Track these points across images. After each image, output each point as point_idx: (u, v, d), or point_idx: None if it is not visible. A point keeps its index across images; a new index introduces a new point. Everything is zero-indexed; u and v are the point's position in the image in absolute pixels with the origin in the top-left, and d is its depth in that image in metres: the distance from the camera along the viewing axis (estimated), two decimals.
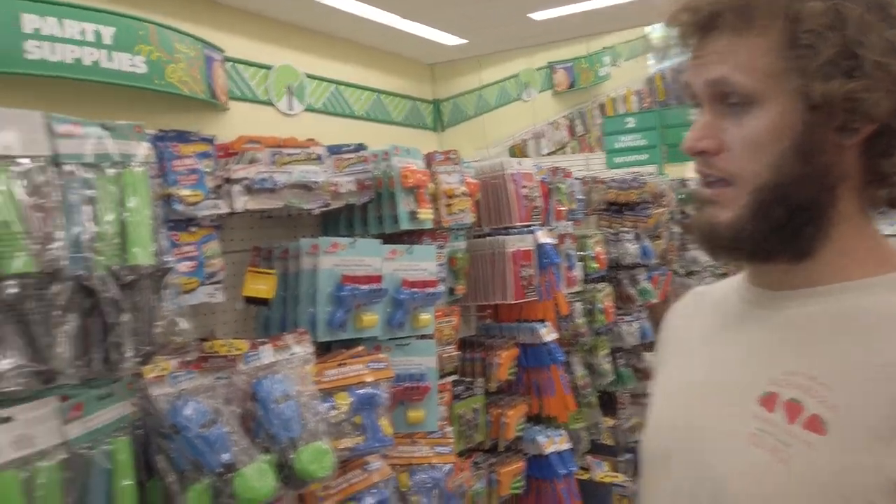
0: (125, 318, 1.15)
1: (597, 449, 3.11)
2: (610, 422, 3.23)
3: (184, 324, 1.26)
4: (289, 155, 1.58)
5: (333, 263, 1.71)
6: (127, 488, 1.15)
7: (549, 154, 10.14)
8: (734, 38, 0.70)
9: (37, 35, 3.49)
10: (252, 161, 1.50)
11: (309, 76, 6.20)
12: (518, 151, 10.88)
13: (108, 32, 3.82)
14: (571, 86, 9.75)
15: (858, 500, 0.61)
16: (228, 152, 1.48)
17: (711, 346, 0.81)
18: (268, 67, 5.80)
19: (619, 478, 2.96)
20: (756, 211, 0.70)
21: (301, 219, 1.96)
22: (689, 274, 4.51)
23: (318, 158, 1.61)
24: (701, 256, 4.48)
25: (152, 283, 1.20)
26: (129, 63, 3.92)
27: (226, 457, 1.26)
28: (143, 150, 1.25)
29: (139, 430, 1.24)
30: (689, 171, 5.73)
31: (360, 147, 1.82)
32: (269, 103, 5.81)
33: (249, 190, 1.49)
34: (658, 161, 5.25)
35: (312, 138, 1.63)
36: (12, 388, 0.99)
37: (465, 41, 6.84)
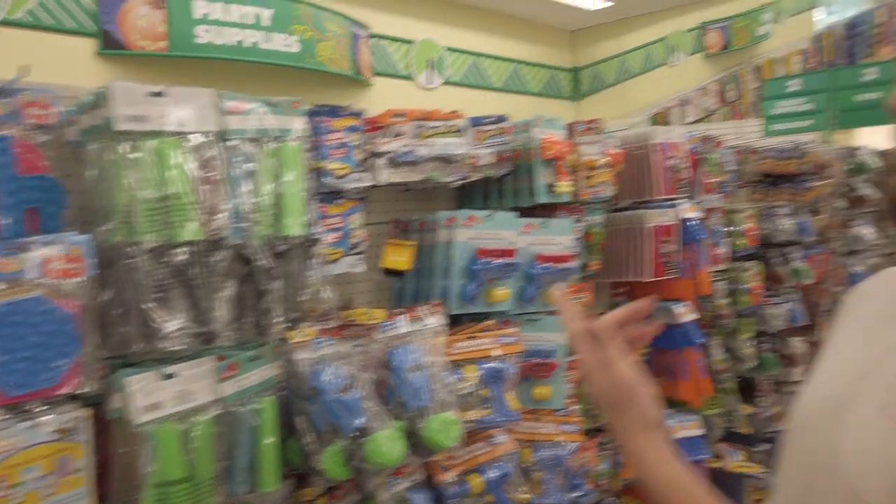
0: (276, 285, 1.22)
1: (731, 437, 2.95)
2: (748, 409, 3.04)
3: (328, 292, 1.32)
4: (432, 128, 1.58)
5: (469, 237, 1.71)
6: (270, 445, 1.24)
7: (693, 122, 9.56)
8: None
9: (205, 20, 3.75)
10: (397, 135, 1.52)
11: (449, 49, 6.21)
12: (660, 120, 10.28)
13: (266, 14, 4.03)
14: (725, 47, 9.02)
15: None
16: (375, 126, 1.50)
17: (882, 327, 0.78)
18: (409, 42, 5.86)
19: (755, 468, 2.80)
20: None
21: (439, 191, 1.97)
22: (851, 253, 4.07)
23: (460, 131, 1.60)
24: (866, 234, 4.03)
25: (302, 252, 1.26)
26: (284, 43, 4.12)
27: (360, 421, 1.32)
28: (299, 124, 1.30)
29: (282, 392, 1.33)
30: (860, 138, 5.12)
31: (501, 118, 1.78)
32: (409, 77, 5.89)
33: (393, 163, 1.51)
34: (826, 128, 4.71)
35: (455, 110, 1.62)
36: (177, 348, 1.09)
37: (609, 4, 6.49)
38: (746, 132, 5.45)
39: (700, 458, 2.47)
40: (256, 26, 3.94)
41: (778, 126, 4.78)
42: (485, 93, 6.69)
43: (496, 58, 6.80)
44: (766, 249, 3.13)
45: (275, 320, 1.20)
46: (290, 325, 1.23)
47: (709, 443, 2.66)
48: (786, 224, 3.15)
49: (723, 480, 2.73)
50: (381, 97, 5.44)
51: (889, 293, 0.82)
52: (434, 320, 1.56)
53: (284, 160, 1.24)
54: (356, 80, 5.01)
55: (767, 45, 9.55)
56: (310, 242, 1.25)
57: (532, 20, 7.21)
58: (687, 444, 2.44)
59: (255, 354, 1.26)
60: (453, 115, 1.59)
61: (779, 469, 0.85)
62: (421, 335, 1.54)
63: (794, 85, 4.94)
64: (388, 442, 1.32)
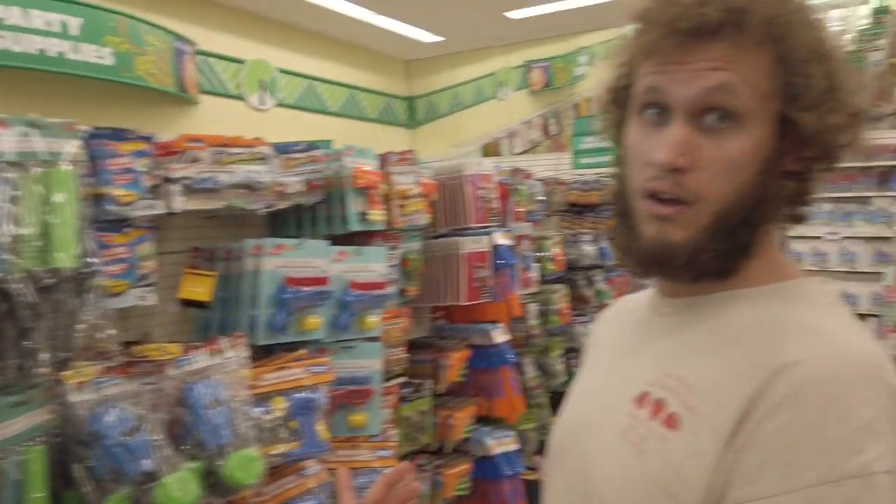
0: (42, 322, 1.11)
1: (546, 449, 3.13)
2: None
3: (108, 328, 1.23)
4: (233, 154, 1.54)
5: (277, 265, 1.68)
6: (39, 499, 1.12)
7: (521, 153, 10.16)
8: (732, 51, 0.67)
9: (1, 25, 3.40)
10: (194, 160, 1.46)
11: (282, 71, 6.11)
12: (491, 150, 10.86)
13: (75, 23, 3.73)
14: (547, 85, 9.78)
15: (691, 493, 0.64)
16: (170, 151, 1.44)
17: (618, 351, 0.85)
18: (240, 62, 5.69)
19: None
20: (718, 232, 0.70)
21: (249, 219, 1.92)
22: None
23: (264, 158, 1.58)
24: None
25: (74, 286, 1.16)
26: (96, 55, 3.83)
27: (147, 465, 1.23)
28: (73, 147, 1.21)
29: (58, 439, 1.21)
30: None
31: (312, 146, 1.78)
32: (240, 98, 5.71)
33: (189, 190, 1.45)
34: None
35: (259, 137, 1.59)
36: None
37: (441, 38, 6.81)
38: (564, 164, 5.94)
39: (516, 471, 2.60)
40: (63, 35, 3.63)
41: (585, 160, 5.26)
42: (321, 117, 6.67)
43: (332, 82, 6.82)
44: (572, 273, 3.40)
45: (40, 361, 1.09)
46: (58, 365, 1.13)
47: (525, 456, 2.80)
48: (589, 249, 3.45)
49: (538, 491, 2.88)
50: (210, 117, 5.22)
51: (626, 320, 0.88)
52: (235, 353, 1.51)
53: (54, 186, 1.14)
54: (180, 98, 4.77)
55: (584, 84, 10.51)
56: (85, 275, 1.16)
57: (367, 48, 7.33)
58: (504, 459, 2.55)
59: (20, 400, 1.14)
60: (257, 141, 1.57)
61: (543, 493, 0.90)
62: (222, 369, 1.47)
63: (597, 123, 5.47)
64: (179, 485, 1.24)
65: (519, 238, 2.76)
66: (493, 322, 2.60)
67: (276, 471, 1.63)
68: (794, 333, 0.67)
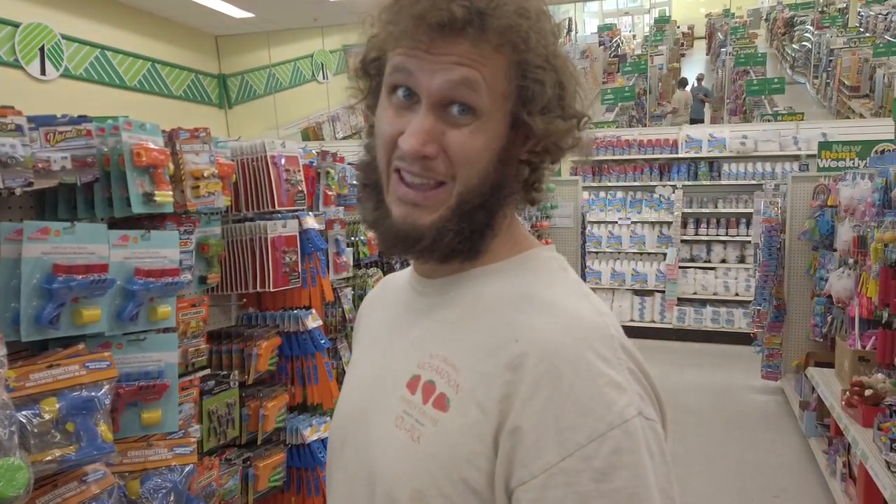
0: None
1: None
2: None
3: None
4: None
5: (42, 251, 1.50)
6: None
7: (344, 138, 10.08)
8: (474, 50, 0.71)
9: None
10: None
11: (66, 38, 5.47)
12: (312, 134, 10.63)
13: None
14: None
15: (469, 469, 0.67)
16: None
17: (387, 335, 0.86)
18: (15, 24, 5.01)
19: None
20: (460, 214, 0.74)
21: (10, 200, 1.69)
22: None
23: (18, 129, 1.39)
24: None
25: None
26: None
27: None
28: None
29: None
30: None
31: (81, 119, 1.61)
32: (16, 65, 5.03)
33: None
34: None
35: (12, 106, 1.40)
36: None
37: (250, 15, 6.52)
38: None
39: None
40: None
41: None
42: (117, 91, 6.09)
43: (128, 54, 6.25)
44: (387, 257, 3.43)
45: None
46: None
47: None
48: None
49: None
50: None
51: (392, 301, 0.90)
52: None
53: None
54: None
55: None
56: None
57: (169, 19, 6.81)
58: (320, 446, 2.52)
59: None
60: (7, 111, 1.38)
61: (327, 486, 0.88)
62: None
63: None
64: None
65: (330, 222, 2.73)
66: (306, 308, 2.55)
67: (54, 479, 1.47)
68: (534, 308, 0.73)
